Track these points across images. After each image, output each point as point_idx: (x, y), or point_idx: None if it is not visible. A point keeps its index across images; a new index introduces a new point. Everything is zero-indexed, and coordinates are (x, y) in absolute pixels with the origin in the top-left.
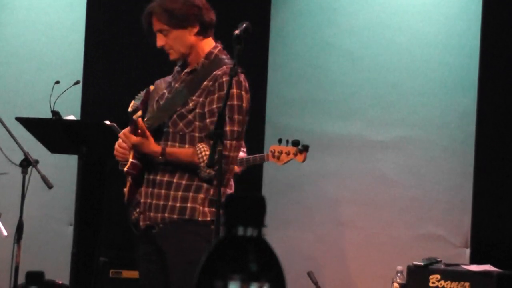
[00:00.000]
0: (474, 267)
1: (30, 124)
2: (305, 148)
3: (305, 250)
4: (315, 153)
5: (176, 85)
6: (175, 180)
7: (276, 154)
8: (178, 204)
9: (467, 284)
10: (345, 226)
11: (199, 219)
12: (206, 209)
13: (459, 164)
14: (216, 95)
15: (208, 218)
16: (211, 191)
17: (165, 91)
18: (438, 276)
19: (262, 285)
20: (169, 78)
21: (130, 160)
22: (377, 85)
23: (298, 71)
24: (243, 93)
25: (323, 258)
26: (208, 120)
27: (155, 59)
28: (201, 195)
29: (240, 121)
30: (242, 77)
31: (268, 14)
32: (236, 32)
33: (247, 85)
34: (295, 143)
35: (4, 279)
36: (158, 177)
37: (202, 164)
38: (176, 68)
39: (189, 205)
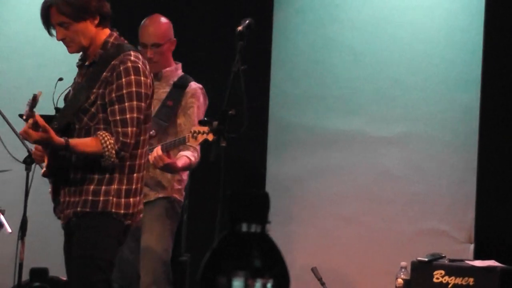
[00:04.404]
0: (478, 263)
1: None
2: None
3: (308, 246)
4: (318, 149)
5: (79, 80)
6: (87, 175)
7: (195, 134)
8: (90, 198)
9: (471, 279)
10: (349, 221)
11: (112, 210)
12: (123, 200)
13: (462, 159)
14: (114, 85)
15: (122, 211)
16: (125, 181)
17: (71, 88)
18: (442, 272)
19: (267, 281)
20: None
21: (45, 164)
22: (380, 81)
23: (301, 67)
24: (142, 78)
25: (326, 254)
26: (108, 110)
27: None
28: (114, 186)
29: (139, 107)
30: (141, 61)
31: (271, 10)
32: (239, 28)
33: (146, 68)
34: (205, 122)
35: (8, 275)
36: (71, 175)
37: (106, 152)
38: (77, 63)
39: (101, 198)
